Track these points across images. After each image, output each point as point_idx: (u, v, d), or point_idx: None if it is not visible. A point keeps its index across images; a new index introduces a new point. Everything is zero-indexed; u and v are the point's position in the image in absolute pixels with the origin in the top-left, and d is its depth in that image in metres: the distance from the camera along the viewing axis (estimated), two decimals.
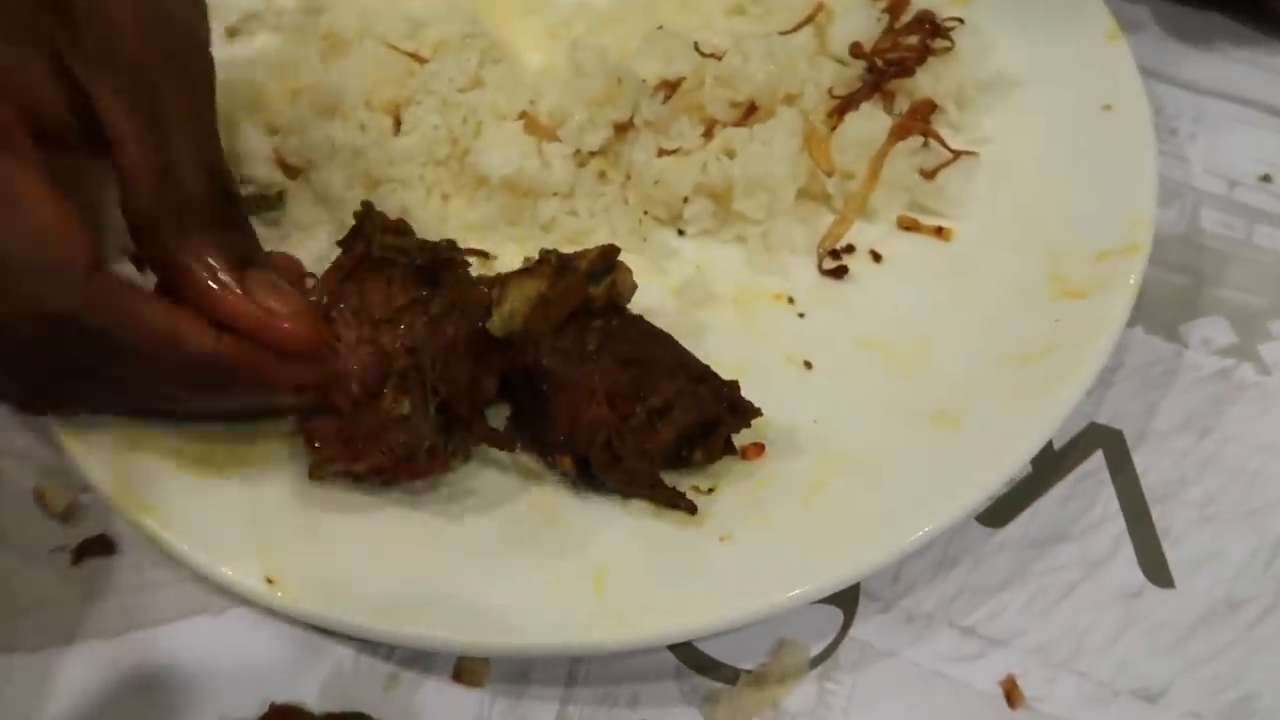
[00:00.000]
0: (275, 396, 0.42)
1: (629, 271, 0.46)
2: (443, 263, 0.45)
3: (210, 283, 0.39)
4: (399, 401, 0.41)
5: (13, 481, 0.50)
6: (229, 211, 0.42)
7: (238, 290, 0.40)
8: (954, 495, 0.43)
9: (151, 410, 0.44)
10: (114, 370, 0.38)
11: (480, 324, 0.43)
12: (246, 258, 0.41)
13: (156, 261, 0.40)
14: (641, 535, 0.43)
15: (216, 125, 0.42)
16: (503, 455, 0.45)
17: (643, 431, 0.42)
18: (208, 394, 0.40)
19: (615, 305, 0.45)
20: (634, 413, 0.42)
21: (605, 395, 0.42)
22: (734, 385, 0.43)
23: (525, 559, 0.43)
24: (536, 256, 0.52)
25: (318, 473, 0.43)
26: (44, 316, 0.35)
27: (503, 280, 0.44)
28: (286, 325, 0.40)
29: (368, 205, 0.46)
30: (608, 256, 0.45)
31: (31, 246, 0.35)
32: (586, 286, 0.44)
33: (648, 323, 0.45)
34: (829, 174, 0.52)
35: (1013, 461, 0.43)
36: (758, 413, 0.43)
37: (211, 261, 0.40)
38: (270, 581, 0.42)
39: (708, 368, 0.44)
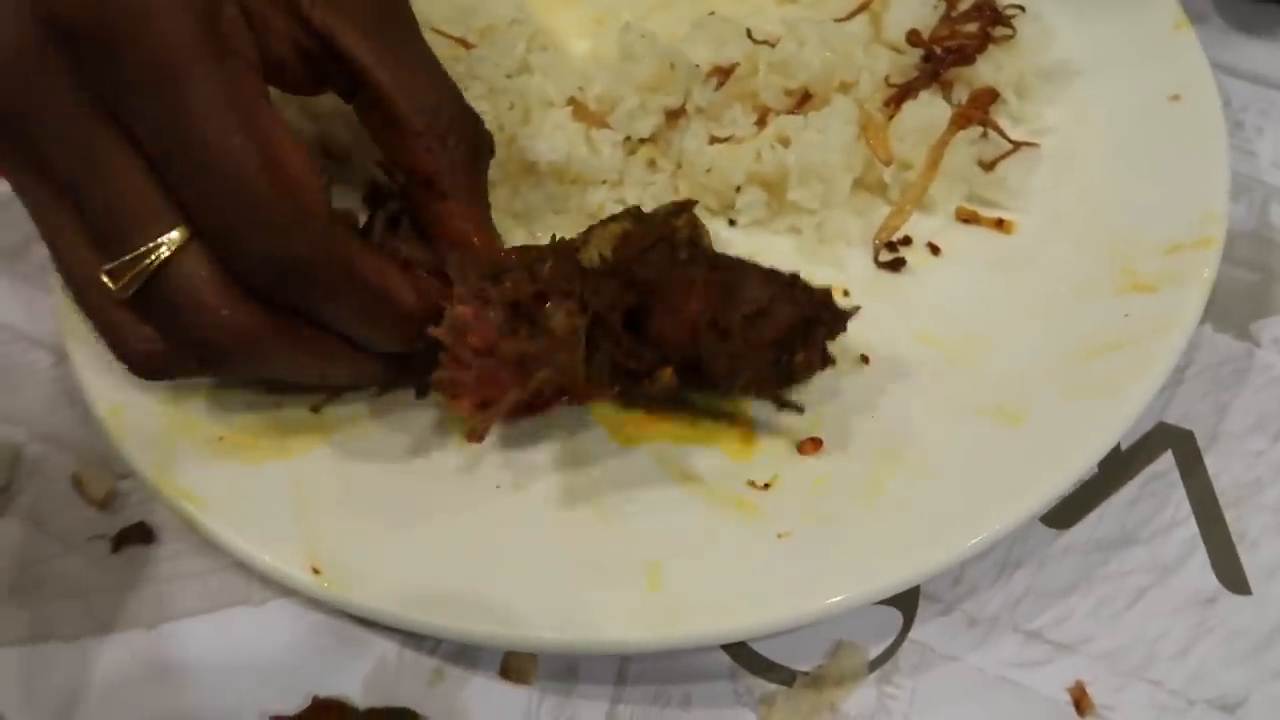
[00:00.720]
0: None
1: (704, 226, 0.45)
2: None
3: (471, 229, 0.44)
4: (571, 316, 0.40)
5: (52, 467, 0.50)
6: (482, 145, 0.45)
7: (487, 241, 0.44)
8: (1020, 496, 0.41)
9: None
10: (320, 314, 0.40)
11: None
12: (487, 207, 0.46)
13: (426, 191, 0.44)
14: (698, 530, 0.42)
15: None
16: (557, 445, 0.44)
17: (747, 332, 0.41)
18: (399, 343, 0.42)
19: (696, 242, 0.44)
20: (732, 321, 0.40)
21: (703, 290, 0.41)
22: (826, 291, 0.42)
23: (578, 553, 0.41)
24: None
25: (478, 432, 0.41)
26: (277, 261, 0.37)
27: (587, 230, 0.44)
28: None
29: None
30: (684, 206, 0.45)
31: (280, 196, 0.36)
32: (670, 221, 0.43)
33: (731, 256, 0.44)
34: (887, 163, 0.51)
35: (1082, 461, 0.41)
36: (853, 312, 0.42)
37: (467, 212, 0.44)
38: (316, 571, 0.41)
39: (797, 274, 0.42)
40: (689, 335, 0.41)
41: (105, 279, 0.38)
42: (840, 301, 0.42)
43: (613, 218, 0.45)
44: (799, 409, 0.42)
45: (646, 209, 0.52)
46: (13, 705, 0.43)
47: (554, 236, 0.46)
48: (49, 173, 0.38)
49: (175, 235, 0.37)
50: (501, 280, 0.41)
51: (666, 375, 0.42)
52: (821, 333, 0.42)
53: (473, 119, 0.45)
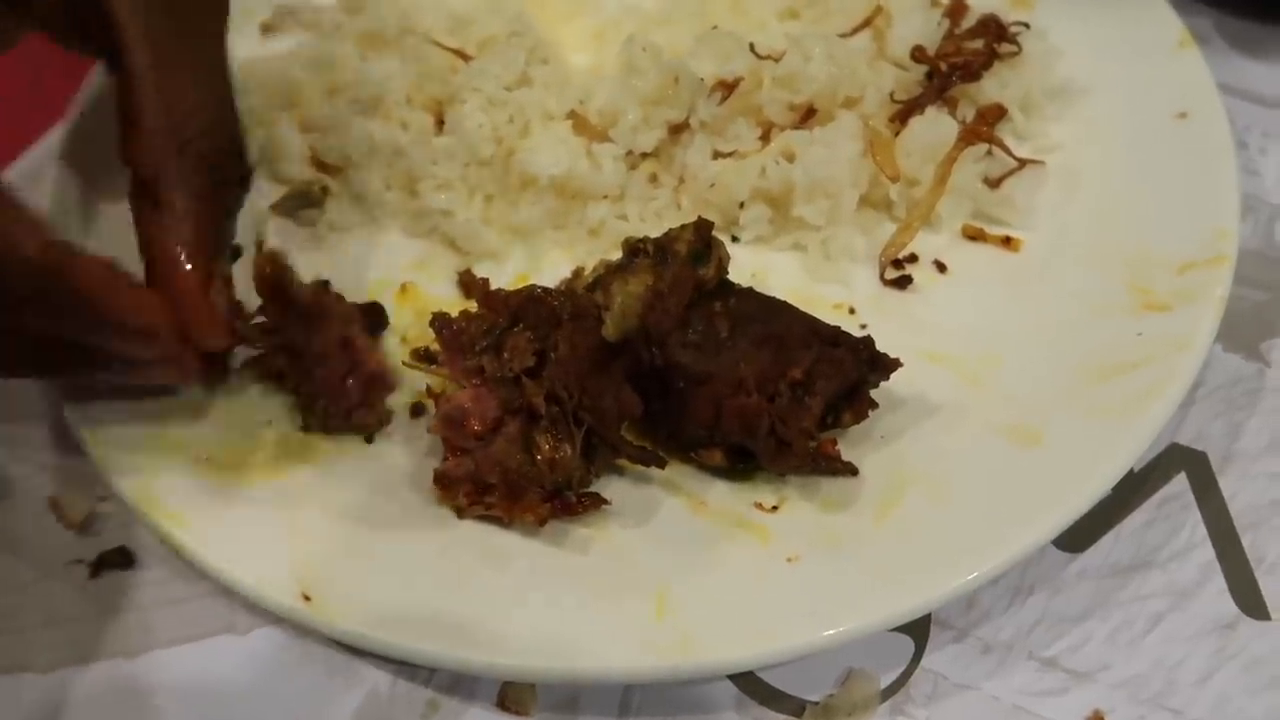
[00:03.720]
0: (110, 331, 0.38)
1: (722, 243, 0.43)
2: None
3: (180, 250, 0.40)
4: (558, 447, 0.39)
5: (28, 490, 0.48)
6: (231, 173, 0.42)
7: (190, 272, 0.40)
8: (1037, 519, 0.40)
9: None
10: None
11: (597, 333, 0.40)
12: (219, 237, 0.42)
13: (140, 194, 0.40)
14: (705, 554, 0.40)
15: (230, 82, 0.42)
16: None
17: (794, 409, 0.40)
18: (38, 307, 0.37)
19: (725, 282, 0.42)
20: (779, 391, 0.40)
21: (755, 382, 0.39)
22: (868, 341, 0.42)
23: (581, 579, 0.40)
24: (583, 264, 0.50)
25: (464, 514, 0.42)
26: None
27: (603, 282, 0.41)
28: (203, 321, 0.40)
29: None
30: (703, 232, 0.42)
31: None
32: (696, 271, 0.41)
33: (760, 293, 0.43)
34: (894, 179, 0.50)
35: (1100, 482, 0.40)
36: (898, 363, 0.42)
37: (180, 229, 0.40)
38: (306, 598, 0.39)
39: (838, 329, 0.42)
40: (739, 433, 0.40)
41: None
42: (882, 349, 0.42)
43: (628, 265, 0.42)
44: (853, 471, 0.42)
45: (649, 226, 0.51)
46: None
47: (577, 271, 0.44)
48: None
49: None
50: (501, 347, 0.40)
51: (715, 458, 0.41)
52: (866, 390, 0.42)
53: (235, 146, 0.42)
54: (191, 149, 0.40)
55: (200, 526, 0.41)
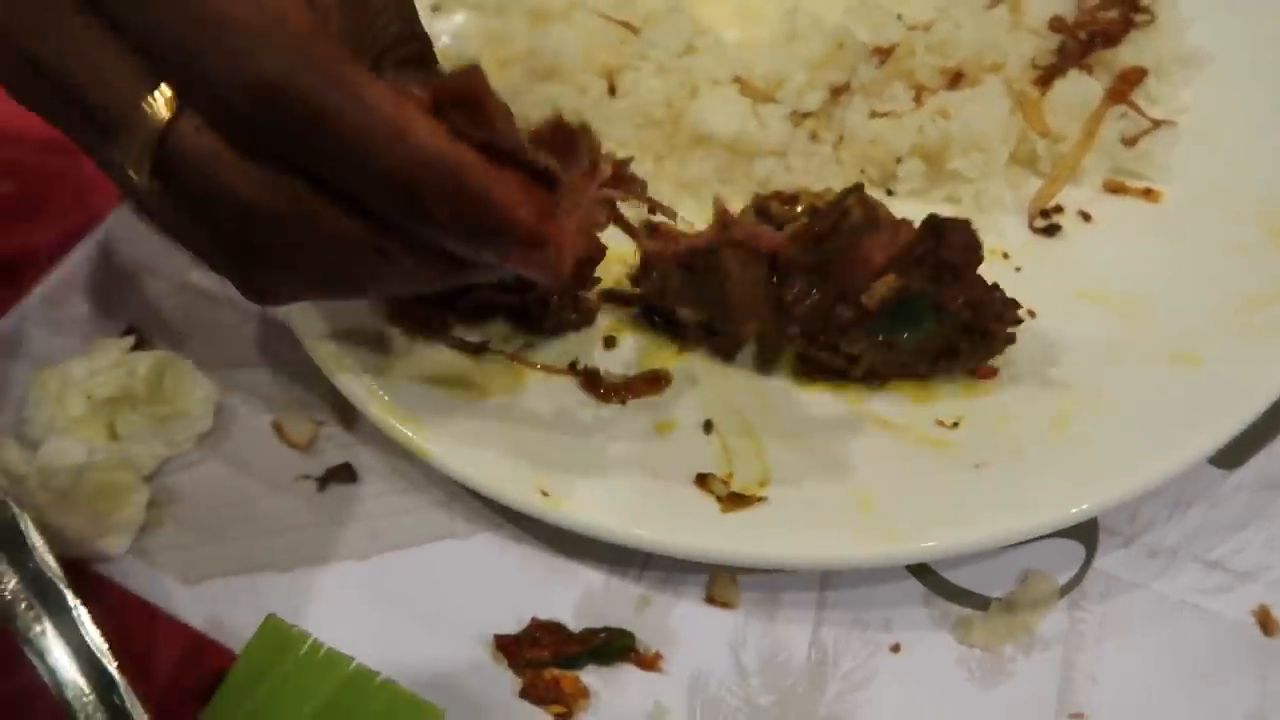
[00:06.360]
0: (492, 241, 0.34)
1: (863, 205, 0.46)
2: None
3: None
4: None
5: (250, 416, 0.52)
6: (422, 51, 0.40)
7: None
8: (1196, 433, 0.44)
9: (345, 270, 0.36)
10: (323, 167, 0.33)
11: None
12: None
13: None
14: (900, 462, 0.44)
15: None
16: (748, 387, 0.47)
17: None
18: (413, 208, 0.33)
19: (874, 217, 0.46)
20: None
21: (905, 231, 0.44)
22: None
23: (790, 483, 0.44)
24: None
25: None
26: (258, 81, 0.31)
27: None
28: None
29: None
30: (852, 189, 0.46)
31: (245, 8, 0.32)
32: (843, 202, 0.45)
33: None
34: (1044, 135, 0.54)
35: (1264, 397, 0.44)
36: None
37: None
38: (545, 494, 0.43)
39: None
40: (885, 260, 0.43)
41: (130, 173, 0.34)
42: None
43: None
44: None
45: (812, 179, 0.55)
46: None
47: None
48: (44, 76, 0.34)
49: (160, 96, 0.33)
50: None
51: (882, 288, 0.43)
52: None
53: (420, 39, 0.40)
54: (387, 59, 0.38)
55: (438, 435, 0.45)
